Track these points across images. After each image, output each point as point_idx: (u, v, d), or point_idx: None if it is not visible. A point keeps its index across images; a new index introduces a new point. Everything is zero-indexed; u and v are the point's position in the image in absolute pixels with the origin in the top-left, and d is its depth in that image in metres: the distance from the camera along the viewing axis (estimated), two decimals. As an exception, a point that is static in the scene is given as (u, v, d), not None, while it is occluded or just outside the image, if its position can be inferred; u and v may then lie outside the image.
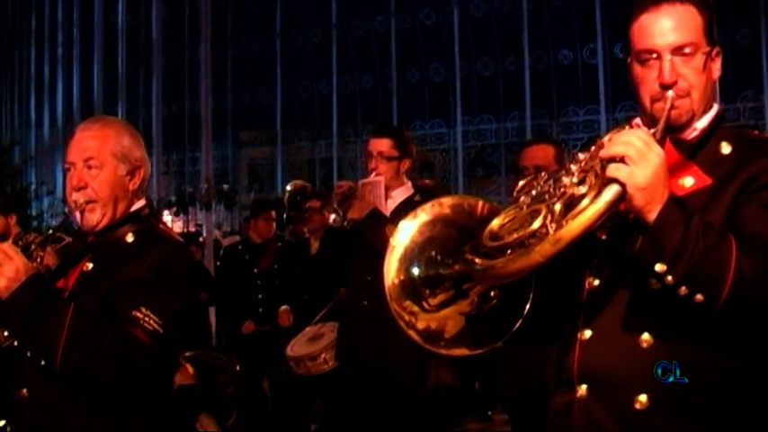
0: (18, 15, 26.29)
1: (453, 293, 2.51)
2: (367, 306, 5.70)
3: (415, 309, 2.53)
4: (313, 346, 7.36)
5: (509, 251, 2.35)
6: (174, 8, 22.79)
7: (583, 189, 2.28)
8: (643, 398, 2.43)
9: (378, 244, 5.23)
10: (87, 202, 3.40)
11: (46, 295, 3.12)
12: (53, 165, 24.36)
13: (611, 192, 2.21)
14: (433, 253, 2.55)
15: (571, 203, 2.28)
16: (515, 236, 2.35)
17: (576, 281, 2.62)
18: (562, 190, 2.35)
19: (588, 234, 2.26)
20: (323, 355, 7.17)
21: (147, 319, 3.12)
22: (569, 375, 2.58)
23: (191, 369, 7.37)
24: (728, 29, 17.33)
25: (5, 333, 3.48)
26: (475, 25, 20.98)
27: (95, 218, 3.41)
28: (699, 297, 2.24)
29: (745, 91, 18.45)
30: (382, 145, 5.88)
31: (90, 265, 3.38)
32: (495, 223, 2.47)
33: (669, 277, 2.22)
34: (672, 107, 2.49)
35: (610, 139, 2.31)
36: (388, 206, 5.83)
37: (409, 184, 6.02)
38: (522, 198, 2.51)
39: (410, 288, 2.53)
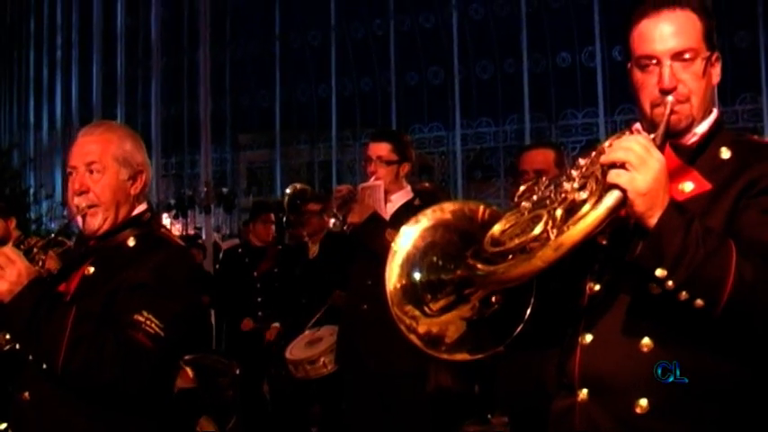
0: (17, 17, 26.24)
1: (454, 298, 2.52)
2: (367, 310, 5.71)
3: (417, 313, 2.53)
4: (312, 349, 7.36)
5: (510, 256, 2.36)
6: (172, 11, 22.75)
7: (584, 195, 2.29)
8: (644, 402, 2.43)
9: (377, 248, 5.25)
10: (89, 207, 3.41)
11: (48, 299, 3.14)
12: (52, 168, 24.30)
13: (612, 197, 2.22)
14: (435, 258, 2.55)
15: (572, 209, 2.29)
16: (517, 241, 2.36)
17: (576, 286, 2.63)
18: (563, 195, 2.36)
19: (589, 239, 2.27)
20: (322, 359, 7.17)
21: (148, 322, 3.13)
22: (570, 379, 2.59)
23: (190, 372, 7.38)
24: (726, 32, 17.32)
25: (7, 336, 3.48)
26: (473, 28, 20.95)
27: (97, 222, 3.42)
28: (699, 302, 2.25)
29: (744, 93, 18.42)
30: (381, 149, 5.90)
31: (91, 269, 3.39)
32: (497, 229, 2.48)
33: (669, 282, 2.24)
34: (672, 112, 2.50)
35: (610, 145, 2.32)
36: (388, 210, 5.85)
37: (409, 188, 6.04)
38: (524, 203, 2.52)
39: (411, 293, 2.53)
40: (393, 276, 2.55)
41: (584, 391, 2.54)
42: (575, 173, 2.39)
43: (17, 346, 3.33)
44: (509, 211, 2.58)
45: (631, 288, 2.48)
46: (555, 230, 2.27)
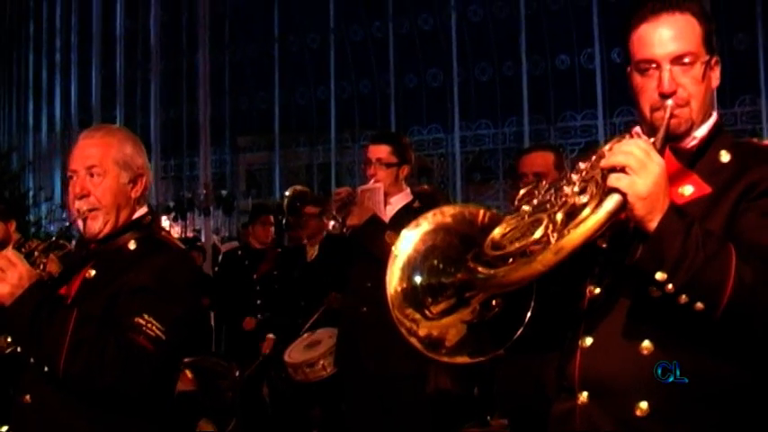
0: (16, 20, 26.26)
1: (455, 302, 2.53)
2: (366, 312, 5.71)
3: (417, 316, 2.54)
4: (311, 352, 7.36)
5: (511, 260, 2.37)
6: (172, 14, 22.80)
7: (584, 198, 2.29)
8: (644, 405, 2.44)
9: (377, 250, 5.26)
10: (90, 210, 3.41)
11: (49, 302, 3.14)
12: (51, 170, 24.33)
13: (612, 201, 2.23)
14: (435, 261, 2.56)
15: (572, 213, 2.29)
16: (517, 245, 2.37)
17: (577, 289, 2.64)
18: (563, 199, 2.37)
19: (589, 243, 2.28)
20: (321, 362, 7.17)
21: (149, 325, 3.14)
22: (570, 382, 2.59)
23: (190, 375, 7.38)
24: (725, 34, 17.35)
25: (8, 339, 3.49)
26: (472, 30, 20.99)
27: (98, 225, 3.43)
28: (699, 305, 2.26)
29: (743, 95, 18.47)
30: (381, 151, 5.90)
31: (92, 272, 3.40)
32: (497, 232, 2.48)
33: (669, 285, 2.24)
34: (671, 116, 2.51)
35: (610, 149, 2.33)
36: (387, 212, 5.85)
37: (408, 190, 6.04)
38: (524, 207, 2.52)
39: (412, 296, 2.54)
40: (394, 280, 2.55)
41: (585, 393, 2.54)
42: (575, 176, 2.39)
43: (18, 350, 3.33)
44: (509, 214, 2.59)
45: (631, 291, 2.48)
46: (555, 234, 2.28)
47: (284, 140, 23.18)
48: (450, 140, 21.49)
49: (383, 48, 21.80)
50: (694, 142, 2.62)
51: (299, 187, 8.28)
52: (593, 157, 2.39)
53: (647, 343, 2.46)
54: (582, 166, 2.41)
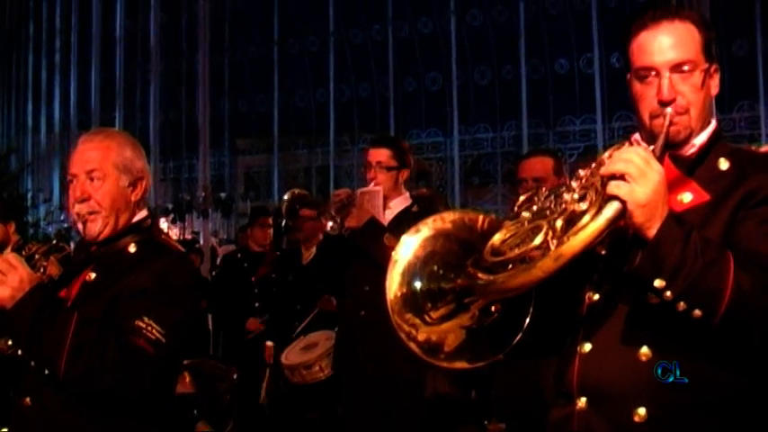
0: (16, 21, 26.25)
1: (454, 307, 2.53)
2: (364, 316, 5.72)
3: (417, 321, 2.54)
4: (308, 354, 7.36)
5: (510, 266, 2.38)
6: (171, 16, 22.78)
7: (584, 205, 2.31)
8: (642, 411, 2.45)
9: (375, 254, 5.27)
10: (90, 213, 3.43)
11: (49, 305, 3.15)
12: (50, 171, 24.31)
13: (611, 209, 2.24)
14: (435, 267, 2.57)
15: (572, 220, 2.30)
16: (517, 251, 2.38)
17: (576, 295, 2.64)
18: (563, 206, 2.38)
19: (588, 249, 2.29)
20: (318, 364, 7.18)
21: (149, 328, 3.15)
22: (569, 388, 2.60)
23: (188, 377, 7.39)
24: (724, 40, 17.36)
25: (9, 342, 3.49)
26: (472, 34, 20.98)
27: (97, 228, 3.44)
28: (697, 312, 2.27)
29: (741, 101, 18.46)
30: (381, 155, 5.91)
31: (93, 275, 3.41)
32: (497, 238, 2.49)
33: (668, 293, 2.25)
34: (671, 124, 2.52)
35: (610, 156, 2.34)
36: (386, 216, 5.85)
37: (407, 194, 6.05)
38: (524, 213, 2.53)
39: (412, 301, 2.54)
40: (394, 285, 2.56)
41: (583, 399, 2.55)
42: (575, 184, 2.40)
43: (19, 352, 3.34)
44: (508, 219, 2.60)
45: (630, 298, 2.49)
46: (555, 241, 2.29)
47: (283, 143, 23.16)
48: (448, 144, 21.47)
49: (382, 51, 21.78)
50: (693, 150, 2.64)
51: (297, 190, 8.25)
52: (593, 165, 2.41)
53: (645, 349, 2.47)
54: (581, 173, 2.42)
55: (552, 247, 2.28)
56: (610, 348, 2.52)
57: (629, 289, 2.46)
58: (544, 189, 2.59)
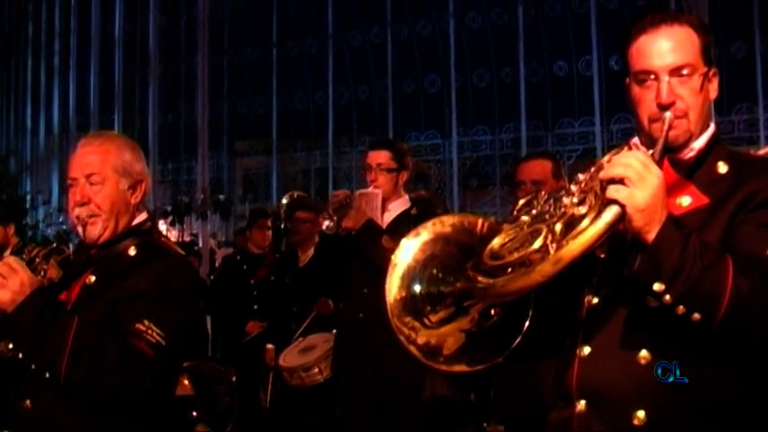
0: (15, 23, 26.23)
1: (454, 310, 2.54)
2: (363, 318, 5.73)
3: (416, 325, 2.55)
4: (306, 356, 7.35)
5: (510, 270, 2.39)
6: (170, 18, 22.75)
7: (583, 209, 2.31)
8: (641, 414, 2.45)
9: (374, 256, 5.28)
10: (89, 216, 3.43)
11: (50, 309, 3.15)
12: (49, 174, 24.28)
13: (610, 213, 2.25)
14: (435, 270, 2.57)
15: (571, 224, 2.31)
16: (516, 255, 2.39)
17: (575, 298, 2.65)
18: (562, 210, 2.39)
19: (588, 253, 2.30)
20: (317, 366, 7.17)
21: (149, 331, 3.16)
22: (568, 391, 2.61)
23: (186, 380, 7.38)
24: (723, 42, 17.36)
25: (10, 346, 3.50)
26: (470, 37, 20.96)
27: (97, 231, 3.45)
28: (696, 316, 2.27)
29: (740, 104, 18.45)
30: (381, 157, 5.92)
31: (92, 278, 3.42)
32: (496, 242, 2.50)
33: (667, 296, 2.26)
34: (670, 128, 2.53)
35: (609, 161, 2.35)
36: (386, 219, 5.86)
37: (406, 197, 6.06)
38: (523, 217, 2.54)
39: (411, 305, 2.55)
40: (393, 288, 2.57)
41: (582, 402, 2.56)
42: (574, 188, 2.41)
43: (19, 355, 3.34)
44: (508, 223, 2.61)
45: (629, 301, 2.50)
46: (554, 245, 2.30)
47: (282, 145, 23.12)
48: (447, 146, 21.45)
49: (381, 53, 21.76)
50: (692, 153, 2.64)
51: (297, 193, 8.27)
52: (592, 169, 2.41)
53: (644, 352, 2.48)
54: (581, 177, 2.43)
55: (551, 251, 2.29)
56: (609, 351, 2.53)
57: (628, 292, 2.46)
58: (543, 192, 2.60)
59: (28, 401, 3.34)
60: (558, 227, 2.33)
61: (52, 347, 3.08)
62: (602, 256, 2.58)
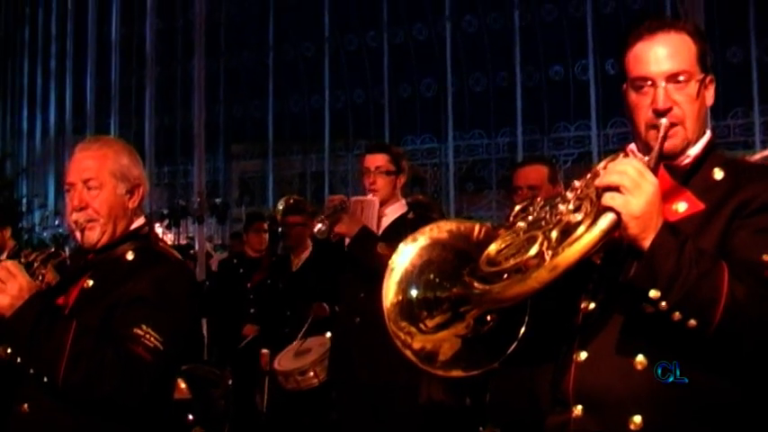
0: (11, 27, 26.26)
1: (450, 316, 2.54)
2: (359, 323, 5.73)
3: (412, 330, 2.55)
4: (301, 360, 7.35)
5: (506, 276, 2.39)
6: (167, 21, 22.79)
7: (578, 216, 2.32)
8: (637, 419, 2.46)
9: (370, 263, 5.28)
10: (87, 221, 3.44)
11: (48, 313, 3.16)
12: (45, 176, 24.30)
13: (606, 220, 2.25)
14: (432, 276, 2.58)
15: (567, 231, 2.32)
16: (512, 262, 2.39)
17: (571, 304, 2.66)
18: (558, 217, 2.40)
19: (583, 260, 2.31)
20: (312, 370, 7.17)
21: (147, 336, 3.16)
22: (565, 396, 2.61)
23: (183, 383, 7.38)
24: (719, 47, 17.40)
25: (8, 350, 3.50)
26: (467, 41, 21.01)
27: (95, 236, 3.46)
28: (692, 322, 2.28)
29: (736, 108, 18.50)
30: (379, 160, 5.92)
31: (90, 283, 3.42)
32: (493, 248, 2.51)
33: (663, 303, 2.27)
34: (666, 134, 2.54)
35: (605, 168, 2.36)
36: (383, 223, 5.87)
37: (404, 201, 6.07)
38: (519, 223, 2.55)
39: (408, 310, 2.56)
40: (390, 293, 2.57)
41: (579, 407, 2.56)
42: (570, 194, 2.42)
43: (18, 360, 3.35)
44: (504, 229, 2.61)
45: (625, 307, 2.50)
46: (550, 252, 2.31)
47: (278, 149, 23.17)
48: (443, 150, 21.50)
49: (377, 57, 21.81)
50: (688, 160, 2.65)
51: (293, 197, 8.27)
52: (588, 176, 2.42)
53: (640, 357, 2.48)
54: (577, 184, 2.44)
55: (547, 258, 2.30)
56: (605, 357, 2.54)
57: (624, 298, 2.47)
58: (539, 199, 2.61)
59: (26, 405, 3.34)
60: (554, 234, 2.34)
61: (50, 352, 3.08)
62: (599, 261, 2.59)
